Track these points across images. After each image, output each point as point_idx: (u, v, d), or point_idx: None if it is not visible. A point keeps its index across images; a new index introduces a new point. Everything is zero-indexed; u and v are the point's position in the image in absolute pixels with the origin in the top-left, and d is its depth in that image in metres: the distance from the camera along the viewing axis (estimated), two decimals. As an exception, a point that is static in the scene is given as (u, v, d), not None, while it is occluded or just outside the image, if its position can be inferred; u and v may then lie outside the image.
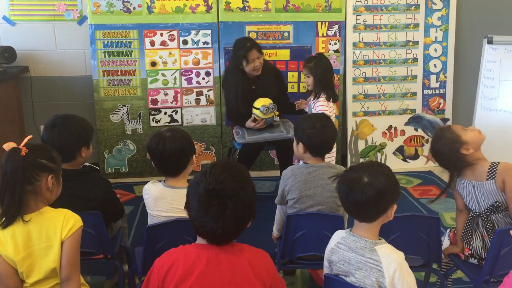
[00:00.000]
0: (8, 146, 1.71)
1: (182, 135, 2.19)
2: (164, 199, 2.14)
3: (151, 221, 2.20)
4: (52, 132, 2.25)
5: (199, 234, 1.51)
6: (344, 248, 1.69)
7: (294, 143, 2.41)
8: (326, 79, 3.29)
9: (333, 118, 3.13)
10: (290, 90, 4.19)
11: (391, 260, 1.59)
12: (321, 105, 3.20)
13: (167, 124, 4.26)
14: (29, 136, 1.79)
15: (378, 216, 1.66)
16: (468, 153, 2.19)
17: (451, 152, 2.21)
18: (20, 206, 1.70)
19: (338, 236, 1.74)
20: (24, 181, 1.69)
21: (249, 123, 3.55)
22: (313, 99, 3.28)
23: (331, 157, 3.24)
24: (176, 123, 4.28)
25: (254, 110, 3.51)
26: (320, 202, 2.25)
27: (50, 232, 1.72)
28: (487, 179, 2.18)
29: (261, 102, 3.47)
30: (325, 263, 1.78)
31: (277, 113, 3.59)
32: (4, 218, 1.70)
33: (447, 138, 2.22)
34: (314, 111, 3.27)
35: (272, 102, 3.48)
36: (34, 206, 1.74)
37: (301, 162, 2.43)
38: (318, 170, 2.29)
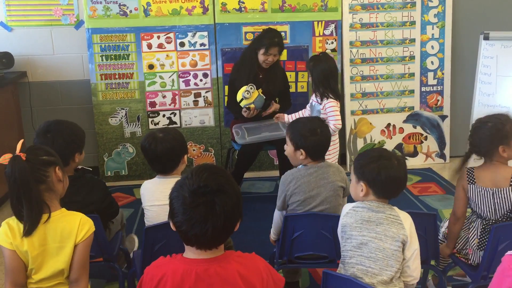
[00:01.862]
0: (4, 158, 1.74)
1: (174, 136, 2.25)
2: (158, 189, 2.23)
3: (147, 216, 2.27)
4: (45, 139, 2.26)
5: (187, 241, 1.42)
6: (362, 210, 1.88)
7: (290, 149, 2.36)
8: (326, 79, 3.21)
9: (338, 117, 3.17)
10: (287, 90, 4.19)
11: (406, 215, 1.90)
12: (331, 106, 3.18)
13: (166, 126, 4.27)
14: (21, 141, 1.83)
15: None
16: (503, 154, 2.18)
17: (491, 139, 2.19)
18: (40, 208, 1.73)
19: (351, 205, 1.94)
20: (37, 182, 1.73)
21: (244, 114, 3.58)
22: (321, 99, 3.24)
23: (333, 157, 3.22)
24: (174, 125, 4.29)
25: (240, 103, 3.52)
26: (324, 200, 2.27)
27: (65, 233, 1.76)
28: (511, 185, 2.16)
29: (240, 92, 3.49)
30: (338, 229, 1.96)
31: (260, 90, 3.57)
32: (28, 225, 1.72)
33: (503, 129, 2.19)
34: (322, 110, 3.22)
35: (247, 85, 3.49)
36: (51, 204, 1.77)
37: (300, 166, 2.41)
38: (319, 170, 2.31)
